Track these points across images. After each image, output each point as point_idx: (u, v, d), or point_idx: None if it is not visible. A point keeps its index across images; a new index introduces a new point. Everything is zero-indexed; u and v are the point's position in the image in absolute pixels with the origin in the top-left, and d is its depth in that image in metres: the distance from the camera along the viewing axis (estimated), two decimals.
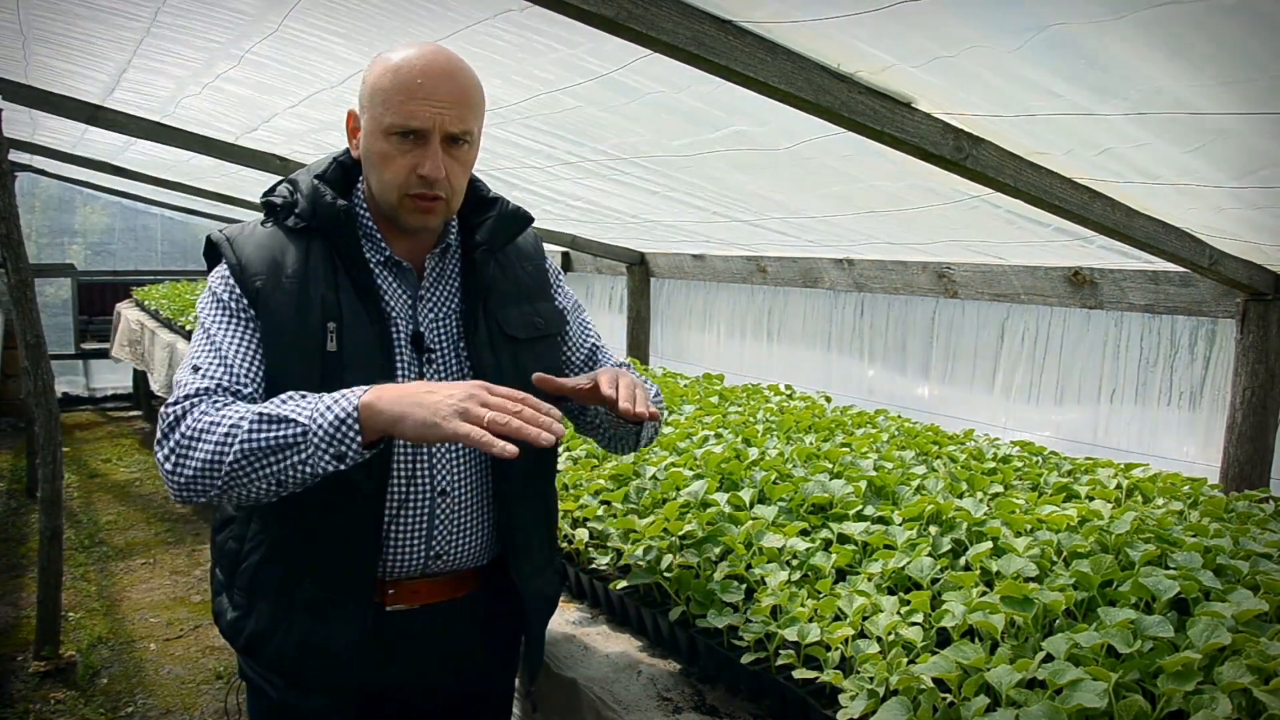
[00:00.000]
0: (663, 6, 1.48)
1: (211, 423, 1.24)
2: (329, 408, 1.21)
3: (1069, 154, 1.85)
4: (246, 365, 1.34)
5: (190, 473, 1.24)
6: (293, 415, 1.21)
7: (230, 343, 1.35)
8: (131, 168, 7.32)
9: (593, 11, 1.42)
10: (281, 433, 1.21)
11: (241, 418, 1.23)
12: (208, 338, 1.36)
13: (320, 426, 1.20)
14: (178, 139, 4.63)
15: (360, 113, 1.41)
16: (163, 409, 1.30)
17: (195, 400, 1.28)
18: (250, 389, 1.33)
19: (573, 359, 1.68)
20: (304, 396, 1.25)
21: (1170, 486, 2.09)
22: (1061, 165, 1.92)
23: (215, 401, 1.28)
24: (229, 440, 1.22)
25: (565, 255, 5.79)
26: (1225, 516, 1.85)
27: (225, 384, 1.31)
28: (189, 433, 1.25)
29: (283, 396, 1.26)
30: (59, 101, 4.35)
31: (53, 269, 9.88)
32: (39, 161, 8.29)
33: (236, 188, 6.87)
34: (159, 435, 1.29)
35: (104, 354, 9.64)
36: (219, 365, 1.32)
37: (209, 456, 1.23)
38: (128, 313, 8.22)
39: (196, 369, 1.32)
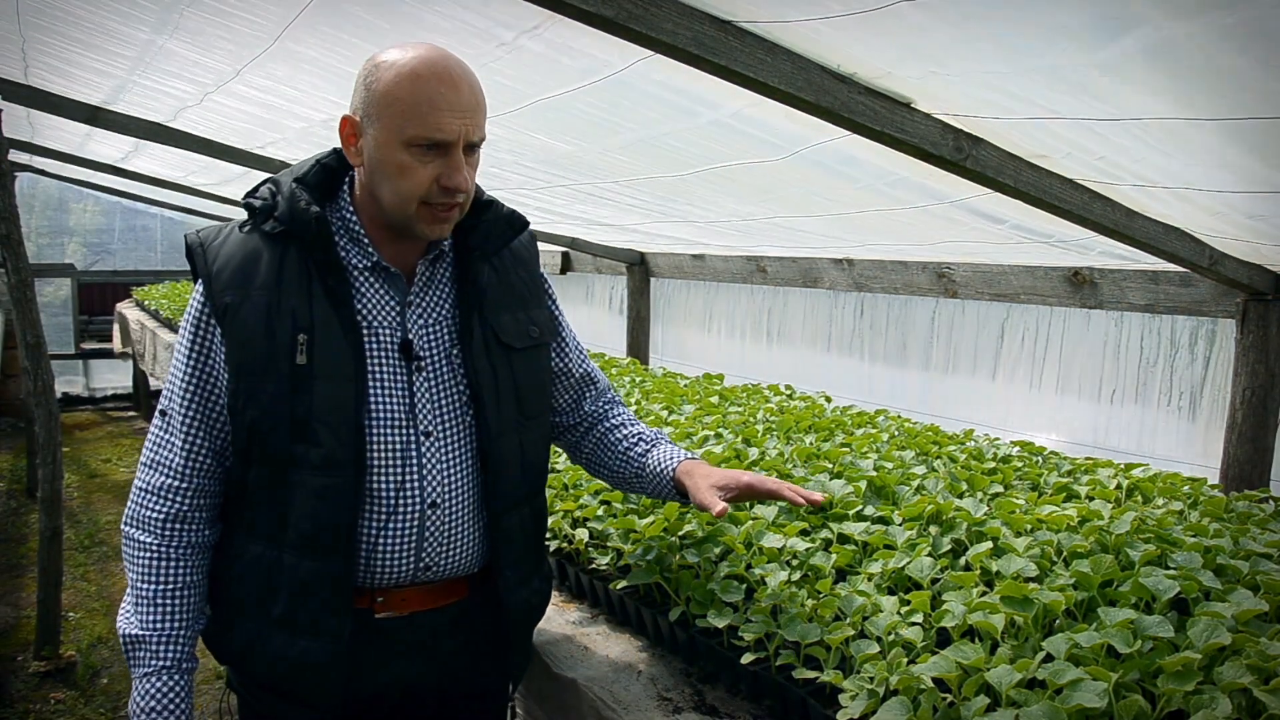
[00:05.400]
0: (663, 6, 1.47)
1: (129, 556, 1.44)
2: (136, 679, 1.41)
3: (1068, 156, 1.86)
4: (195, 445, 1.42)
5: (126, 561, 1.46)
6: (131, 645, 1.41)
7: (182, 416, 1.41)
8: (132, 169, 7.32)
9: (593, 12, 1.42)
10: (123, 632, 1.42)
11: (131, 588, 1.43)
12: (169, 396, 1.43)
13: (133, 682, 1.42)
14: (178, 141, 4.63)
15: (366, 120, 1.33)
16: (132, 487, 1.46)
17: (141, 506, 1.43)
18: (198, 466, 1.42)
19: (570, 372, 1.69)
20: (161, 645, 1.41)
21: (1170, 486, 2.09)
22: (1061, 167, 1.93)
23: (156, 511, 1.42)
24: (130, 580, 1.45)
25: (565, 255, 5.79)
26: (1225, 516, 1.85)
27: (171, 484, 1.42)
28: (126, 543, 1.45)
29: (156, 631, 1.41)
30: (59, 102, 4.35)
31: (53, 269, 9.89)
32: (39, 162, 8.29)
33: (241, 190, 6.87)
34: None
35: (105, 354, 9.64)
36: (169, 454, 1.42)
37: (127, 567, 1.46)
38: (128, 313, 8.23)
39: (152, 464, 1.43)
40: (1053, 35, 1.36)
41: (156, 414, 1.44)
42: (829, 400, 3.19)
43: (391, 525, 1.40)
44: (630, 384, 3.41)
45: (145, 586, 1.41)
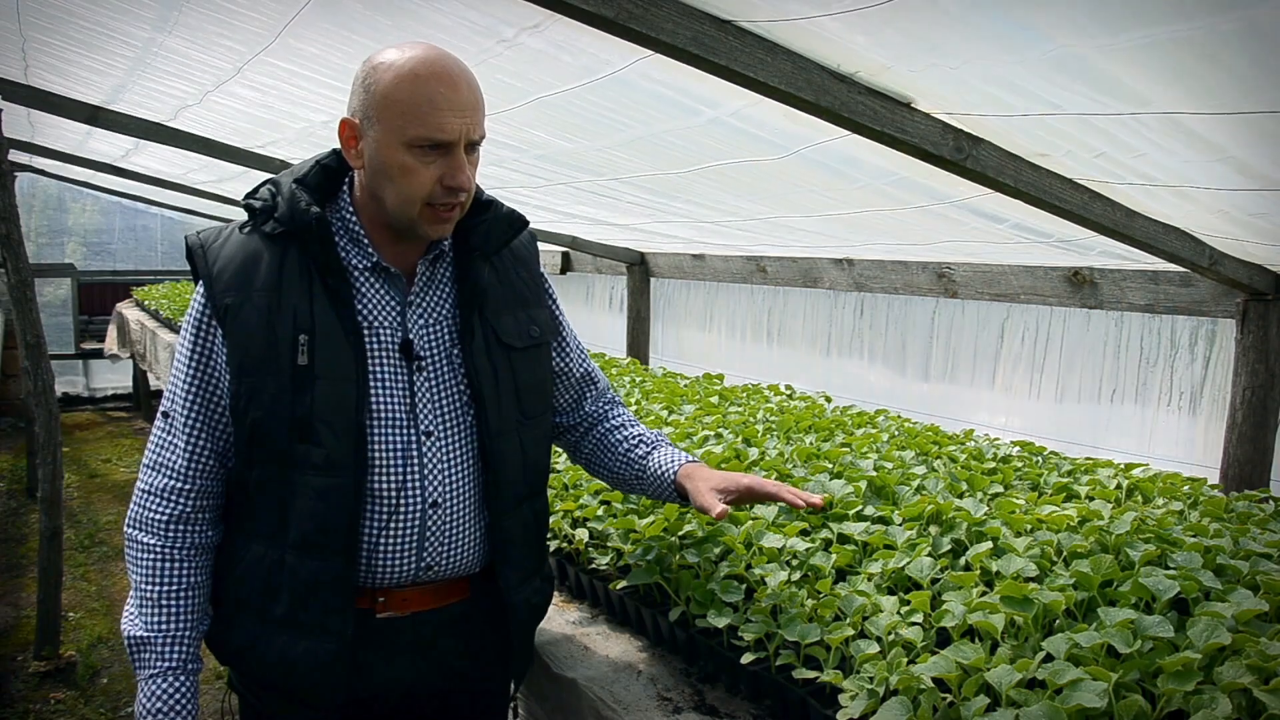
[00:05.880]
0: (663, 6, 1.47)
1: (133, 558, 1.44)
2: (144, 678, 1.41)
3: (1068, 155, 1.86)
4: (197, 446, 1.42)
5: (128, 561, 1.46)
6: (136, 647, 1.42)
7: (184, 417, 1.41)
8: (132, 167, 7.32)
9: (593, 12, 1.42)
10: (128, 634, 1.43)
11: (135, 590, 1.44)
12: (171, 398, 1.43)
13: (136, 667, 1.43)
14: (179, 140, 4.63)
15: (366, 122, 1.33)
16: (135, 489, 1.46)
17: (144, 508, 1.43)
18: (200, 467, 1.43)
19: (571, 371, 1.69)
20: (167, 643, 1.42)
21: (1170, 486, 2.09)
22: (1061, 166, 1.93)
23: (159, 512, 1.42)
24: (133, 582, 1.45)
25: (565, 255, 5.79)
26: (1225, 516, 1.85)
27: (173, 485, 1.42)
28: (129, 545, 1.44)
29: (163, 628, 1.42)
30: (59, 102, 4.35)
31: (53, 269, 9.89)
32: (38, 162, 8.29)
33: (240, 188, 6.87)
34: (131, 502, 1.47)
35: (103, 354, 9.64)
36: (171, 455, 1.42)
37: (130, 569, 1.46)
38: (128, 313, 8.23)
39: (154, 465, 1.44)
40: (1058, 24, 1.35)
41: (159, 415, 1.45)
42: (829, 400, 3.19)
43: (393, 525, 1.40)
44: (630, 384, 3.41)
45: (149, 588, 1.41)
